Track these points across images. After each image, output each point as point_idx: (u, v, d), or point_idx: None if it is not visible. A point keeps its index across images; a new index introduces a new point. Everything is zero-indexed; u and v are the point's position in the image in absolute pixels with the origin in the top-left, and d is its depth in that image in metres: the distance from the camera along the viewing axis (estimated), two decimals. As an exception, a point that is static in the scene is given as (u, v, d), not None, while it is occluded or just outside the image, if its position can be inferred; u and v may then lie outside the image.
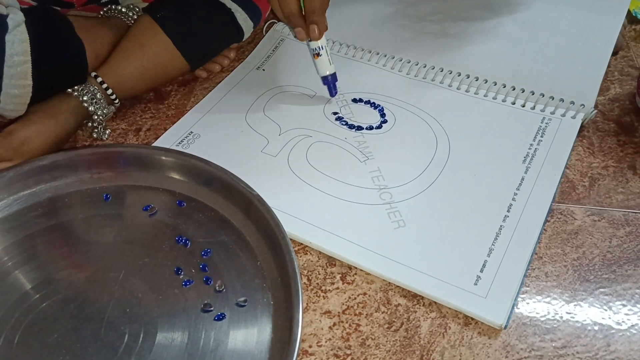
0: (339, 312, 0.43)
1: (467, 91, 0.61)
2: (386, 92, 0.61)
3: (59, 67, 0.53)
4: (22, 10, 0.50)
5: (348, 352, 0.41)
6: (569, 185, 0.52)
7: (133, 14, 0.62)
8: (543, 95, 0.58)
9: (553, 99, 0.58)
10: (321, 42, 0.55)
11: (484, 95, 0.60)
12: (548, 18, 0.68)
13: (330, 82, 0.58)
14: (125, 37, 0.58)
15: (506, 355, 0.40)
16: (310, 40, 0.54)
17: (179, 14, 0.58)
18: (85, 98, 0.55)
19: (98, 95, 0.55)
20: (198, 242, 0.47)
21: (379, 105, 0.60)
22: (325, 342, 0.42)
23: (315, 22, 0.52)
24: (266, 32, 0.71)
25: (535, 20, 0.68)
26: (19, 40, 0.48)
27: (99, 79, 0.56)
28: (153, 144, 0.57)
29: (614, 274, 0.45)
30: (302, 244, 0.48)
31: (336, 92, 0.60)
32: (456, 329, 0.42)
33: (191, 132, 0.58)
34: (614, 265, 0.45)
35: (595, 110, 0.57)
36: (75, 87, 0.55)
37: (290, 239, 0.45)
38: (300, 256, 0.47)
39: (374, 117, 0.58)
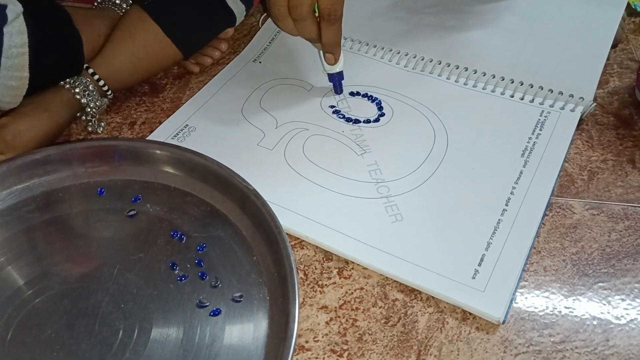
0: (335, 307, 0.43)
1: (465, 84, 0.60)
2: (384, 85, 0.61)
3: (56, 58, 0.53)
4: (19, 0, 0.50)
5: (345, 347, 0.41)
6: (568, 179, 0.51)
7: (126, 6, 0.61)
8: (542, 88, 0.58)
9: (552, 91, 0.58)
10: None
11: (482, 88, 0.59)
12: (547, 10, 0.68)
13: (337, 79, 0.58)
14: (116, 27, 0.57)
15: (504, 350, 0.40)
16: None
17: (167, 1, 0.57)
18: (77, 90, 0.54)
19: (90, 87, 0.55)
20: (193, 237, 0.46)
21: (377, 99, 0.59)
22: (322, 337, 0.41)
23: (332, 52, 0.55)
24: (262, 24, 0.70)
25: (535, 13, 0.68)
26: (17, 31, 0.47)
27: (91, 71, 0.55)
28: (148, 137, 0.56)
29: (612, 268, 0.45)
30: (298, 238, 0.47)
31: (342, 91, 0.59)
32: (454, 324, 0.41)
33: (186, 125, 0.57)
34: (613, 260, 0.45)
35: (595, 104, 0.56)
36: (67, 80, 0.54)
37: (287, 234, 0.44)
38: (297, 251, 0.47)
39: (372, 111, 0.58)
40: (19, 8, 0.48)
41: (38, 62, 0.49)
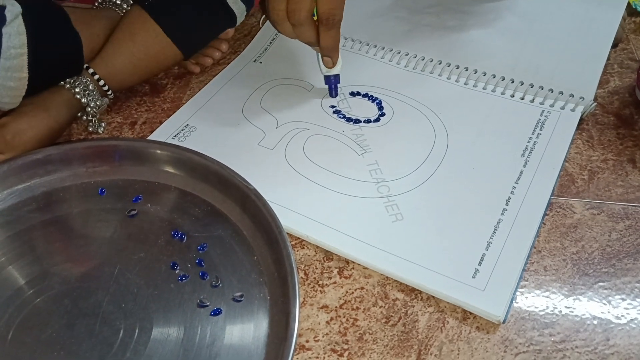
0: (336, 307, 0.43)
1: (465, 84, 0.60)
2: (384, 85, 0.61)
3: (55, 59, 0.53)
4: (18, 0, 0.50)
5: (345, 346, 0.41)
6: (568, 179, 0.51)
7: (127, 6, 0.61)
8: (542, 88, 0.58)
9: (552, 91, 0.58)
10: None
11: (483, 88, 0.59)
12: (547, 10, 0.68)
13: (333, 82, 0.58)
14: (116, 28, 0.58)
15: (504, 350, 0.40)
16: None
17: (168, 1, 0.57)
18: (77, 90, 0.54)
19: (90, 87, 0.55)
20: (194, 237, 0.46)
21: (377, 98, 0.59)
22: (323, 337, 0.41)
23: (330, 57, 0.55)
24: (263, 24, 0.70)
25: (535, 13, 0.68)
26: (16, 32, 0.48)
27: (91, 70, 0.55)
28: (148, 137, 0.56)
29: (613, 267, 0.45)
30: (299, 238, 0.47)
31: (337, 94, 0.59)
32: (454, 323, 0.41)
33: (187, 125, 0.57)
34: (614, 259, 0.45)
35: (595, 103, 0.56)
36: (68, 80, 0.54)
37: (287, 233, 0.44)
38: (297, 250, 0.47)
39: (372, 110, 0.58)
40: (18, 9, 0.48)
41: (37, 62, 0.49)
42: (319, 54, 0.55)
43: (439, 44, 0.65)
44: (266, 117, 0.58)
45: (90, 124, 0.57)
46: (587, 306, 0.42)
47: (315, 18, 0.51)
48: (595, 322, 0.41)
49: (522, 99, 0.58)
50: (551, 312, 0.42)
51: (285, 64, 0.65)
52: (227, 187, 0.48)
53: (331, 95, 0.59)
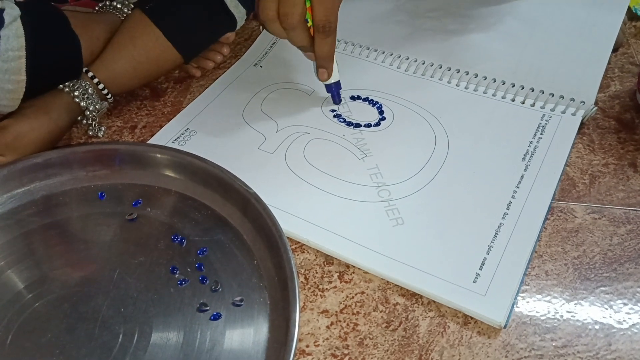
0: (336, 312, 0.43)
1: (466, 88, 0.60)
2: (385, 90, 0.61)
3: (54, 62, 0.53)
4: (17, 3, 0.50)
5: (346, 351, 0.40)
6: (569, 183, 0.51)
7: (128, 10, 0.61)
8: (543, 92, 0.58)
9: (553, 95, 0.57)
10: None
11: (484, 92, 0.59)
12: (548, 15, 0.68)
13: (334, 90, 0.58)
14: (117, 32, 0.58)
15: (506, 355, 0.40)
16: None
17: (168, 5, 0.57)
18: (76, 93, 0.54)
19: (90, 91, 0.55)
20: (194, 241, 0.46)
21: (378, 103, 0.59)
22: (323, 341, 0.41)
23: (325, 67, 0.54)
24: (263, 28, 0.70)
25: (536, 17, 0.68)
26: (14, 35, 0.48)
27: (90, 74, 0.55)
28: (149, 141, 0.56)
29: (614, 272, 0.44)
30: (299, 242, 0.47)
31: (340, 100, 0.59)
32: (455, 328, 0.41)
33: (187, 129, 0.57)
34: (615, 264, 0.45)
35: (596, 107, 0.56)
36: (67, 83, 0.54)
37: (288, 237, 0.44)
38: (298, 255, 0.47)
39: (373, 115, 0.58)
40: (17, 11, 0.48)
41: (35, 65, 0.49)
42: (315, 64, 0.55)
43: (440, 48, 0.65)
44: (266, 121, 0.58)
45: (90, 127, 0.57)
46: (588, 311, 0.42)
47: (309, 24, 0.51)
48: (597, 327, 0.41)
49: (523, 103, 0.58)
50: (552, 317, 0.42)
51: (285, 68, 0.65)
52: (228, 191, 0.48)
53: (335, 103, 0.59)
